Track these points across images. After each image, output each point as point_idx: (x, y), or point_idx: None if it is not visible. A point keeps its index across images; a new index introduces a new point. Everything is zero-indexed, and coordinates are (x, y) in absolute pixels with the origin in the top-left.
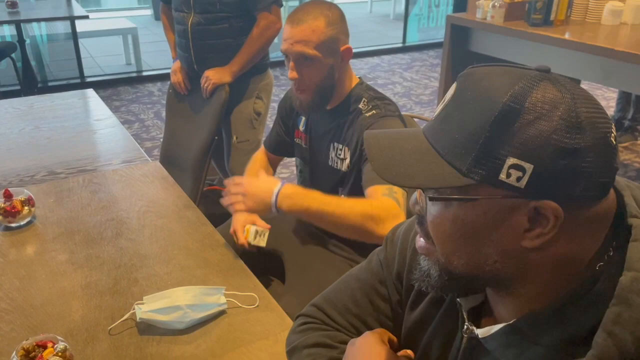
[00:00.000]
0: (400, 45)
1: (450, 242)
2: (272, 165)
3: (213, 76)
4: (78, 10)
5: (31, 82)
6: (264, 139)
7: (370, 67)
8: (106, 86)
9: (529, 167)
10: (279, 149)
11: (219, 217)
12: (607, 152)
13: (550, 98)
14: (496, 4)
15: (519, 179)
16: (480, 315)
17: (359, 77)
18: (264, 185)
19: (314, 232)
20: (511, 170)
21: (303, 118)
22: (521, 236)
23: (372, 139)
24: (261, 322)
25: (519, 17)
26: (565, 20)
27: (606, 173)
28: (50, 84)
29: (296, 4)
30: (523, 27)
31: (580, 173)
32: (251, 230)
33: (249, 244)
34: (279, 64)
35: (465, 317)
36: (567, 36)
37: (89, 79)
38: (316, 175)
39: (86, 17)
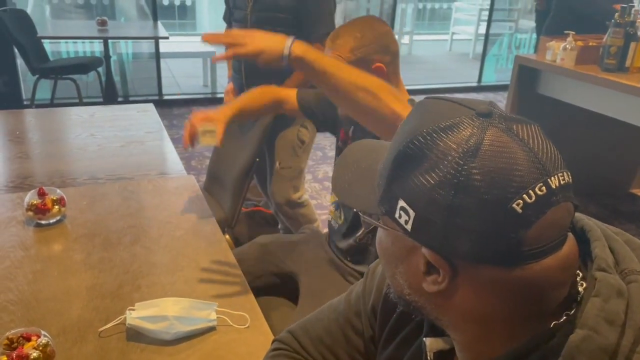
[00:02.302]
0: (475, 84)
1: (381, 260)
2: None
3: None
4: (162, 32)
5: (112, 95)
6: (308, 166)
7: None
8: (181, 105)
9: (412, 213)
10: (316, 115)
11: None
12: (499, 219)
13: (445, 149)
14: (567, 46)
15: (406, 222)
16: None
17: (411, 97)
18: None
19: (333, 260)
20: (401, 212)
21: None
22: (422, 278)
23: (354, 147)
24: (247, 344)
25: (591, 61)
26: None
27: (500, 240)
28: (130, 98)
29: None
30: (595, 71)
31: (460, 231)
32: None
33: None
34: None
35: (430, 359)
36: None
37: (166, 97)
38: None
39: (166, 37)
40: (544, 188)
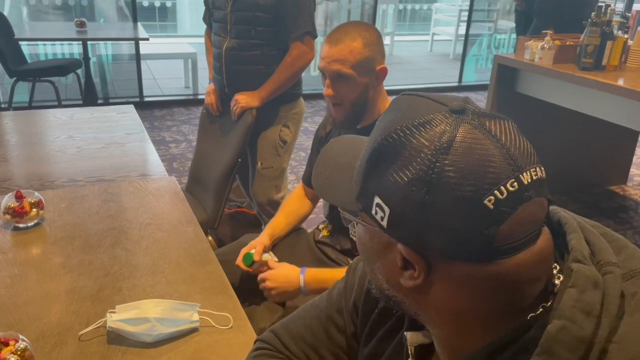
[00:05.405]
0: (455, 84)
1: (361, 256)
2: (312, 200)
3: (242, 100)
4: (142, 33)
5: (92, 97)
6: (292, 166)
7: None
8: (162, 106)
9: (387, 209)
10: None
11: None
12: (471, 215)
13: (418, 145)
14: (545, 45)
15: (382, 218)
16: (429, 355)
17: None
18: (287, 276)
19: (321, 258)
20: (377, 209)
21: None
22: (399, 273)
23: (334, 143)
24: (230, 345)
25: (568, 60)
26: (618, 66)
27: (472, 237)
28: (110, 100)
29: None
30: (572, 70)
31: (433, 228)
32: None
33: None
34: (310, 97)
35: (410, 352)
36: (619, 83)
37: (147, 99)
38: None
39: (146, 39)
40: (515, 184)
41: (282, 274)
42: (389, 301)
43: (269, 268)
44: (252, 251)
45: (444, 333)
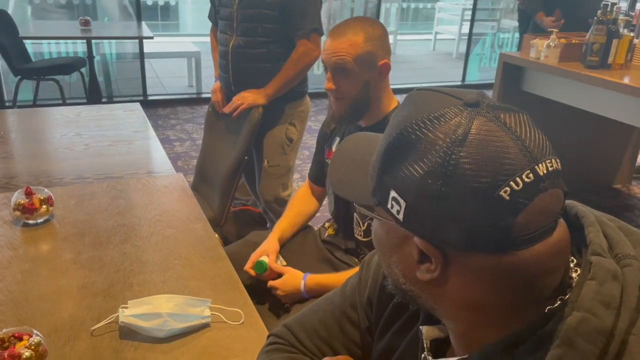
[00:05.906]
0: (459, 83)
1: (377, 251)
2: (318, 198)
3: (248, 97)
4: (146, 32)
5: (96, 96)
6: (296, 165)
7: None
8: (166, 105)
9: (403, 203)
10: (321, 178)
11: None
12: (486, 207)
13: (433, 139)
14: (551, 44)
15: (398, 212)
16: (445, 349)
17: (399, 101)
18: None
19: (327, 257)
20: (393, 202)
21: (337, 139)
22: (415, 267)
23: (349, 140)
24: (242, 340)
25: (574, 58)
26: (624, 65)
27: (488, 228)
28: (114, 99)
29: None
30: (578, 68)
31: (449, 220)
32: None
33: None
34: (314, 95)
35: (425, 346)
36: (625, 81)
37: (151, 97)
38: None
39: (150, 37)
40: (531, 175)
41: (289, 282)
42: (405, 296)
43: (279, 274)
44: (263, 258)
45: (461, 326)
